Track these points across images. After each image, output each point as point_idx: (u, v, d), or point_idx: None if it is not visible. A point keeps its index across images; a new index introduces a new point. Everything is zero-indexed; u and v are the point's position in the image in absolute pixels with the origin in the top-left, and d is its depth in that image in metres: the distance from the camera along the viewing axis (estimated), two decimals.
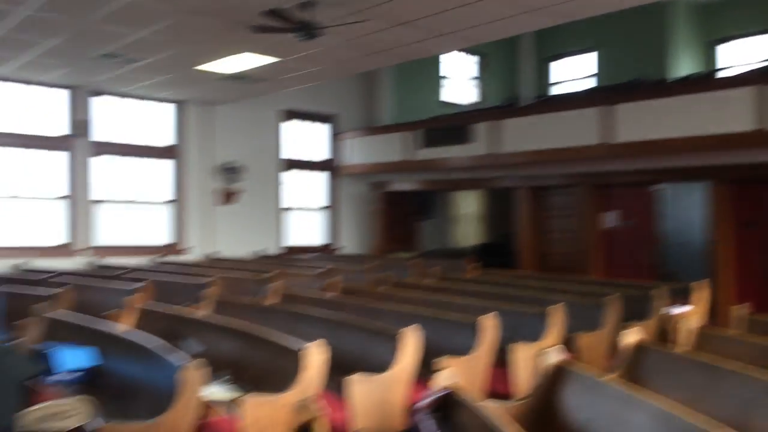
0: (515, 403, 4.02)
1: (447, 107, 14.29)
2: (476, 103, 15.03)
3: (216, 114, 11.68)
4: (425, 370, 4.82)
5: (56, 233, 10.23)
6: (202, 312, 6.57)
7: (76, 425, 3.31)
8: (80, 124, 10.25)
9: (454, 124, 11.56)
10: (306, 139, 13.26)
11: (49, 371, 4.88)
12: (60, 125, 10.26)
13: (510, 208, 12.06)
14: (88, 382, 5.03)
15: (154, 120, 11.30)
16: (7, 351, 4.43)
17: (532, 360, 4.88)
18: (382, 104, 13.60)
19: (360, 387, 4.39)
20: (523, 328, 5.69)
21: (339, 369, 4.63)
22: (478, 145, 10.83)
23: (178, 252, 11.29)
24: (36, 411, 3.55)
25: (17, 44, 7.85)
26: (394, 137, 12.26)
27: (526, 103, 12.79)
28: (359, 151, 12.98)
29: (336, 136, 13.44)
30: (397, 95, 13.70)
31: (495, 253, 13.17)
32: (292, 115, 12.87)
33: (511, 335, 5.45)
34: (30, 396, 4.83)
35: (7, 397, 3.20)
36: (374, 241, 13.52)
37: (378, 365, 4.73)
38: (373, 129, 13.18)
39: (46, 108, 10.16)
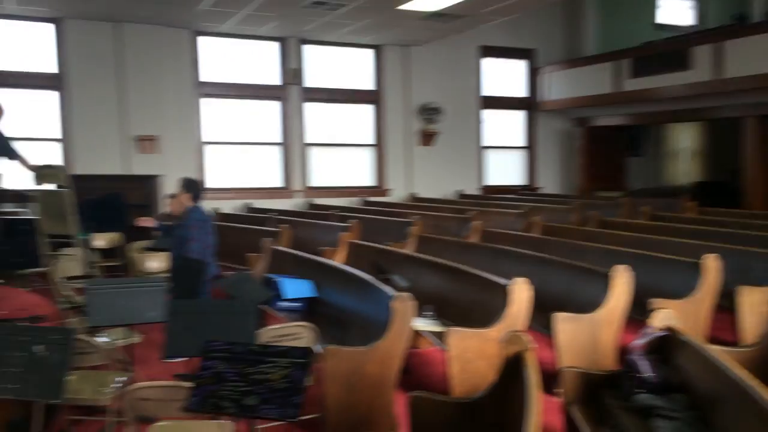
0: (742, 350, 3.69)
1: (660, 31, 13.06)
2: (693, 26, 13.55)
3: (413, 56, 11.80)
4: (637, 312, 4.60)
5: (276, 176, 11.16)
6: (406, 249, 6.82)
7: (305, 346, 3.65)
8: (292, 73, 10.93)
9: (670, 49, 10.55)
10: (503, 76, 12.93)
11: (277, 298, 5.42)
12: (273, 75, 11.03)
13: (735, 141, 10.84)
14: (308, 311, 5.51)
15: (355, 66, 11.71)
16: (247, 278, 4.99)
17: (763, 305, 4.44)
18: (585, 33, 12.80)
19: (567, 325, 4.30)
20: (752, 271, 5.17)
21: (543, 307, 4.57)
22: (698, 71, 9.80)
23: (381, 193, 11.76)
24: (271, 331, 3.97)
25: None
26: (598, 68, 11.52)
27: (758, 19, 11.26)
28: (560, 86, 12.40)
29: (534, 72, 12.95)
30: (601, 23, 12.79)
31: (715, 192, 12.03)
32: (489, 52, 12.59)
33: (736, 278, 4.98)
34: (263, 318, 5.41)
35: (249, 315, 3.61)
36: (576, 180, 12.99)
37: (585, 304, 4.60)
38: (575, 61, 12.47)
39: (261, 60, 10.97)
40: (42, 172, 5.79)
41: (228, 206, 10.44)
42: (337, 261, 6.45)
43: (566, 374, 3.53)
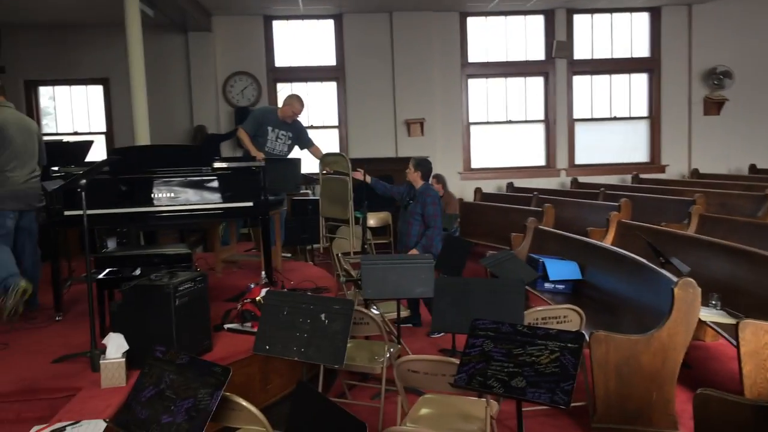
0: None
1: None
2: None
3: (696, 16, 10.57)
4: None
5: (539, 154, 10.90)
6: (687, 230, 6.17)
7: (577, 331, 3.47)
8: (559, 45, 10.52)
9: None
10: None
11: (541, 279, 5.27)
12: (538, 50, 10.74)
13: None
14: (572, 293, 5.27)
15: (626, 33, 10.88)
16: (511, 257, 4.94)
17: None
18: None
19: None
20: None
21: None
22: None
23: (655, 170, 10.82)
24: (537, 312, 3.86)
25: None
26: None
27: None
28: None
29: None
30: None
31: None
32: None
33: None
34: (527, 299, 5.31)
35: (517, 295, 3.53)
36: None
37: None
38: None
39: (524, 35, 10.75)
40: (326, 159, 6.33)
41: (490, 186, 10.47)
42: (606, 242, 6.07)
43: None
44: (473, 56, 10.65)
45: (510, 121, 10.87)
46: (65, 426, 2.81)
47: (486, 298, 3.60)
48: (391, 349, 4.05)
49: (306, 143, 6.66)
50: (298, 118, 6.57)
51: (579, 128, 10.89)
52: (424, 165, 5.69)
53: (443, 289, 3.73)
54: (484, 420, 2.94)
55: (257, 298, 4.16)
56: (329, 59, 10.48)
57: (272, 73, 10.40)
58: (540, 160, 10.92)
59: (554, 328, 2.68)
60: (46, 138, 10.07)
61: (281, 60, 10.45)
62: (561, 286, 5.34)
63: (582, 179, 10.43)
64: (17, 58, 9.92)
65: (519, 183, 10.39)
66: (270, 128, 6.32)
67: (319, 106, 10.59)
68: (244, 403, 2.68)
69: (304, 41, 10.48)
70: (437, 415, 3.15)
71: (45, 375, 3.47)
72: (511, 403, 3.01)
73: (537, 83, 10.85)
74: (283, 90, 10.51)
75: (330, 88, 10.57)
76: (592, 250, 5.43)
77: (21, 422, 3.15)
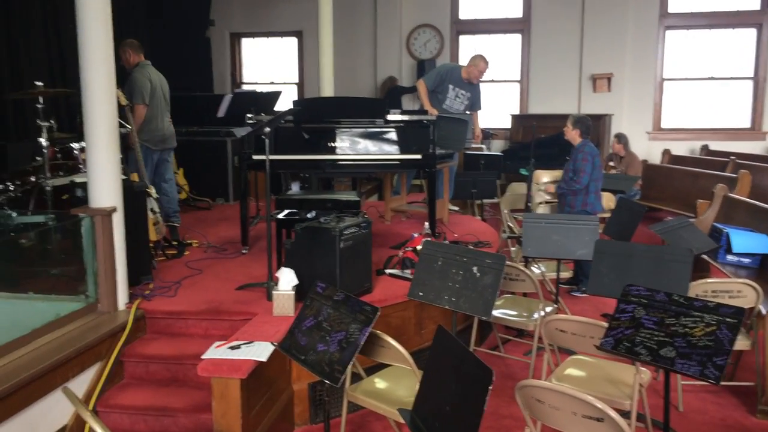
0: None
1: None
2: None
3: None
4: None
5: (743, 115, 9.87)
6: None
7: (745, 307, 3.22)
8: None
9: None
10: None
11: (724, 251, 4.88)
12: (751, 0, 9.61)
13: None
14: (760, 268, 4.82)
15: None
16: (687, 224, 4.63)
17: None
18: None
19: None
20: None
21: None
22: None
23: None
24: (706, 284, 3.62)
25: None
26: None
27: None
28: None
29: None
30: None
31: None
32: None
33: None
34: (702, 269, 4.96)
35: (682, 265, 3.34)
36: None
37: None
38: None
39: None
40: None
41: (682, 148, 9.70)
42: None
43: None
44: (674, 6, 9.79)
45: (712, 78, 9.91)
46: (240, 344, 3.20)
47: (648, 265, 3.44)
48: (547, 308, 4.03)
49: (477, 107, 6.64)
50: (478, 81, 6.55)
51: None
52: (582, 122, 5.42)
53: (603, 251, 3.62)
54: (632, 387, 2.87)
55: (418, 247, 4.33)
56: (515, 11, 10.22)
57: (456, 26, 10.39)
58: (744, 121, 9.87)
59: (713, 301, 2.52)
60: (244, 87, 11.10)
61: (465, 12, 10.38)
62: (746, 260, 4.90)
63: None
64: (224, 12, 10.86)
65: (715, 146, 9.51)
66: (451, 86, 6.36)
67: (500, 59, 10.41)
68: (393, 342, 2.87)
69: None
70: (583, 377, 3.12)
71: (229, 299, 3.92)
72: (673, 376, 2.90)
73: (748, 35, 9.73)
74: (466, 42, 10.47)
75: (514, 40, 10.33)
76: None
77: (207, 338, 3.62)
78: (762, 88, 9.64)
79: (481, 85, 6.68)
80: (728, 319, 2.45)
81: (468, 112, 6.53)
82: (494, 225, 6.42)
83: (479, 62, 6.40)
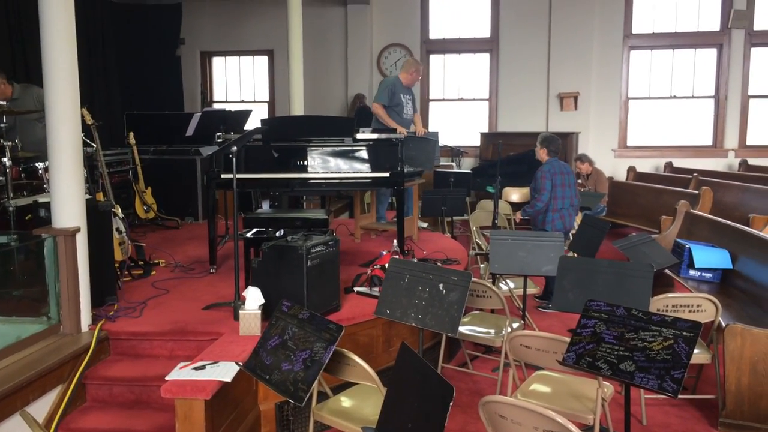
0: None
1: None
2: None
3: None
4: None
5: (704, 133, 10.11)
6: None
7: (704, 321, 3.29)
8: (737, 14, 9.63)
9: None
10: None
11: (686, 266, 4.98)
12: (712, 20, 9.89)
13: None
14: (721, 283, 4.94)
15: None
16: (648, 240, 4.72)
17: None
18: None
19: None
20: None
21: None
22: None
23: None
24: (667, 299, 3.69)
25: None
26: None
27: None
28: None
29: None
30: None
31: None
32: None
33: None
34: (666, 284, 5.06)
35: (643, 280, 3.40)
36: None
37: None
38: None
39: (696, 3, 9.93)
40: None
41: (646, 165, 9.91)
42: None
43: None
44: (638, 27, 10.04)
45: (674, 97, 10.17)
46: (205, 365, 3.17)
47: (611, 280, 3.50)
48: (514, 324, 4.07)
49: (417, 108, 6.69)
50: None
51: (755, 105, 9.94)
52: (549, 141, 5.51)
53: (567, 267, 3.67)
54: (595, 401, 2.91)
55: (386, 265, 4.34)
56: (483, 31, 10.39)
57: (426, 45, 10.52)
58: (706, 139, 10.13)
59: (671, 315, 2.58)
60: (215, 105, 11.07)
61: (435, 32, 10.53)
62: (708, 275, 5.02)
63: (753, 161, 9.54)
64: (195, 30, 10.86)
65: (679, 163, 9.72)
66: (401, 95, 6.38)
67: (470, 78, 10.56)
68: (359, 360, 2.88)
69: (459, 12, 10.46)
70: (548, 392, 3.15)
71: (195, 319, 3.89)
72: (636, 390, 2.94)
73: (708, 56, 10.01)
74: (436, 61, 10.61)
75: (482, 59, 10.48)
76: (748, 239, 5.01)
77: (173, 358, 3.58)
78: (723, 106, 9.91)
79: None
80: (685, 333, 2.51)
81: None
82: (464, 242, 6.48)
83: (417, 65, 6.44)
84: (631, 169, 9.39)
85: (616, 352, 2.61)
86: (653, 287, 3.44)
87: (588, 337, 2.72)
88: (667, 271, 5.05)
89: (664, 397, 3.51)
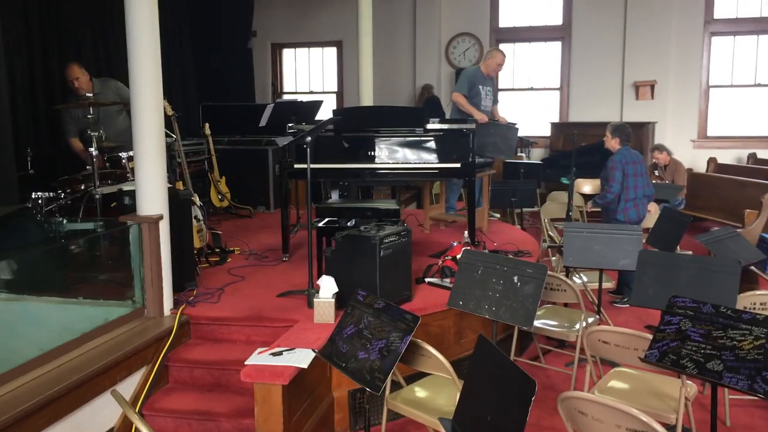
0: None
1: None
2: None
3: None
4: None
5: None
6: None
7: None
8: None
9: None
10: None
11: None
12: None
13: None
14: None
15: None
16: (733, 235, 4.52)
17: None
18: None
19: None
20: None
21: None
22: None
23: None
24: (755, 296, 3.54)
25: None
26: None
27: None
28: None
29: None
30: None
31: None
32: None
33: None
34: (751, 281, 4.84)
35: (729, 276, 3.27)
36: None
37: None
38: None
39: None
40: None
41: (728, 156, 9.47)
42: None
43: None
44: (720, 12, 9.59)
45: (759, 85, 9.67)
46: (282, 351, 3.24)
47: (694, 276, 3.38)
48: (589, 318, 3.98)
49: (497, 100, 6.60)
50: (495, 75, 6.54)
51: None
52: (620, 130, 5.35)
53: (647, 262, 3.56)
54: (678, 401, 2.82)
55: (457, 256, 4.32)
56: (555, 18, 10.15)
57: (495, 34, 10.36)
58: None
59: (762, 314, 2.46)
60: (284, 97, 11.25)
61: (505, 20, 10.35)
62: None
63: None
64: (266, 23, 11.04)
65: (763, 154, 9.26)
66: (481, 87, 6.33)
67: (540, 67, 10.35)
68: (434, 350, 2.88)
69: (528, 1, 10.26)
70: (627, 389, 3.08)
71: (270, 306, 3.97)
72: (720, 390, 2.83)
73: None
74: (505, 50, 10.33)
75: (554, 48, 10.25)
76: None
77: (249, 344, 3.67)
78: None
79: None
80: None
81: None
82: (534, 234, 6.37)
83: (497, 54, 6.37)
84: (711, 161, 9.01)
85: (702, 351, 2.52)
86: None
87: (672, 335, 2.64)
88: (752, 267, 4.83)
89: (749, 398, 3.39)
